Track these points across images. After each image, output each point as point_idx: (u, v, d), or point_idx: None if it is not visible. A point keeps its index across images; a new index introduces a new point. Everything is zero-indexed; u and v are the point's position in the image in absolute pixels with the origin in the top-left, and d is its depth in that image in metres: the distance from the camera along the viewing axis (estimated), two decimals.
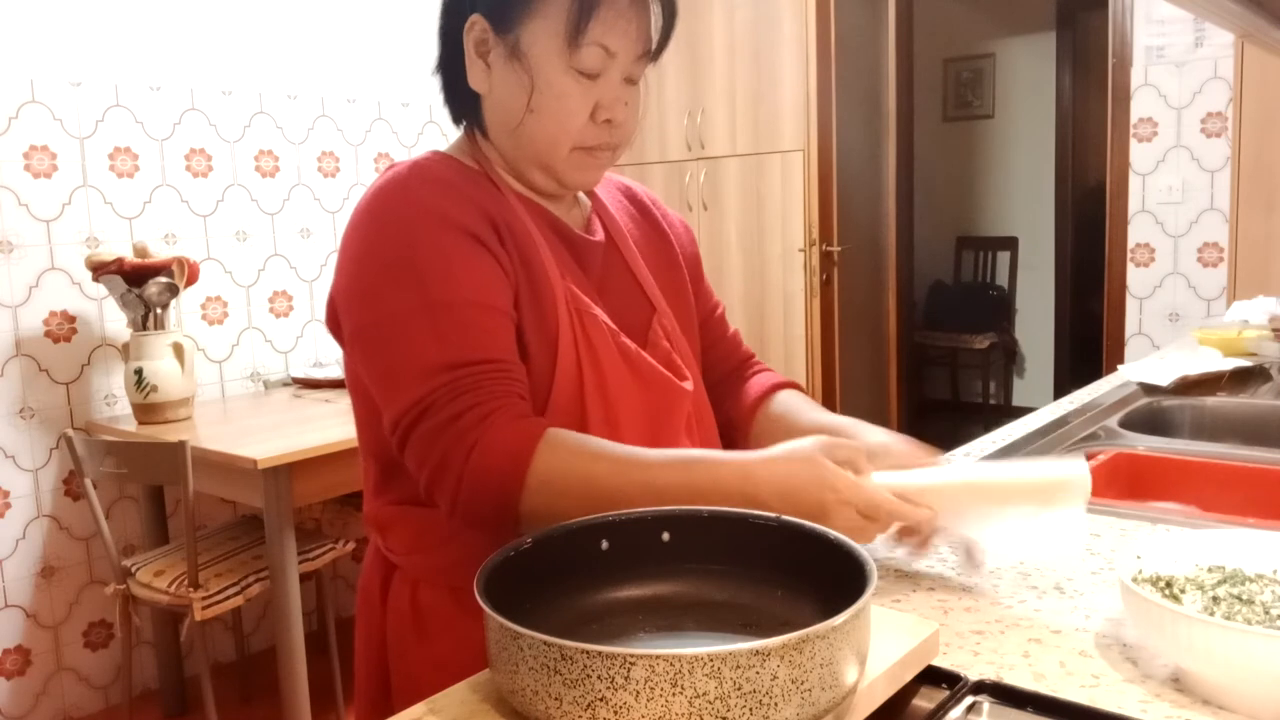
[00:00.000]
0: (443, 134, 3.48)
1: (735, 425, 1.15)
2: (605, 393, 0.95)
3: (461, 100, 1.00)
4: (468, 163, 0.99)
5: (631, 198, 1.15)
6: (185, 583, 2.27)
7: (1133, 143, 3.58)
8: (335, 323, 0.96)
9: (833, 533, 0.74)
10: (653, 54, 0.96)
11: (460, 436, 0.84)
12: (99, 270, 2.50)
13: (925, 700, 0.72)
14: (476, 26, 0.94)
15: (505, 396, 0.86)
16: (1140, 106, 3.55)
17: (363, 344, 0.91)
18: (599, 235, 1.05)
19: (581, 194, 1.08)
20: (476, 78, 0.96)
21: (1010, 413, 4.74)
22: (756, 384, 1.16)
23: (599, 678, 0.57)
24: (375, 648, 1.02)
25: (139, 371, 2.51)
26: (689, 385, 1.03)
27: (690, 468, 0.85)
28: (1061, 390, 5.18)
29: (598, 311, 0.97)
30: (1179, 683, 0.73)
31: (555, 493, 0.83)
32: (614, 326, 0.98)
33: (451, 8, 0.97)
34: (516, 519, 0.84)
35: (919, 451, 0.96)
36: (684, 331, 1.08)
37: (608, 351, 0.96)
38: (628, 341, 0.99)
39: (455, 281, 0.88)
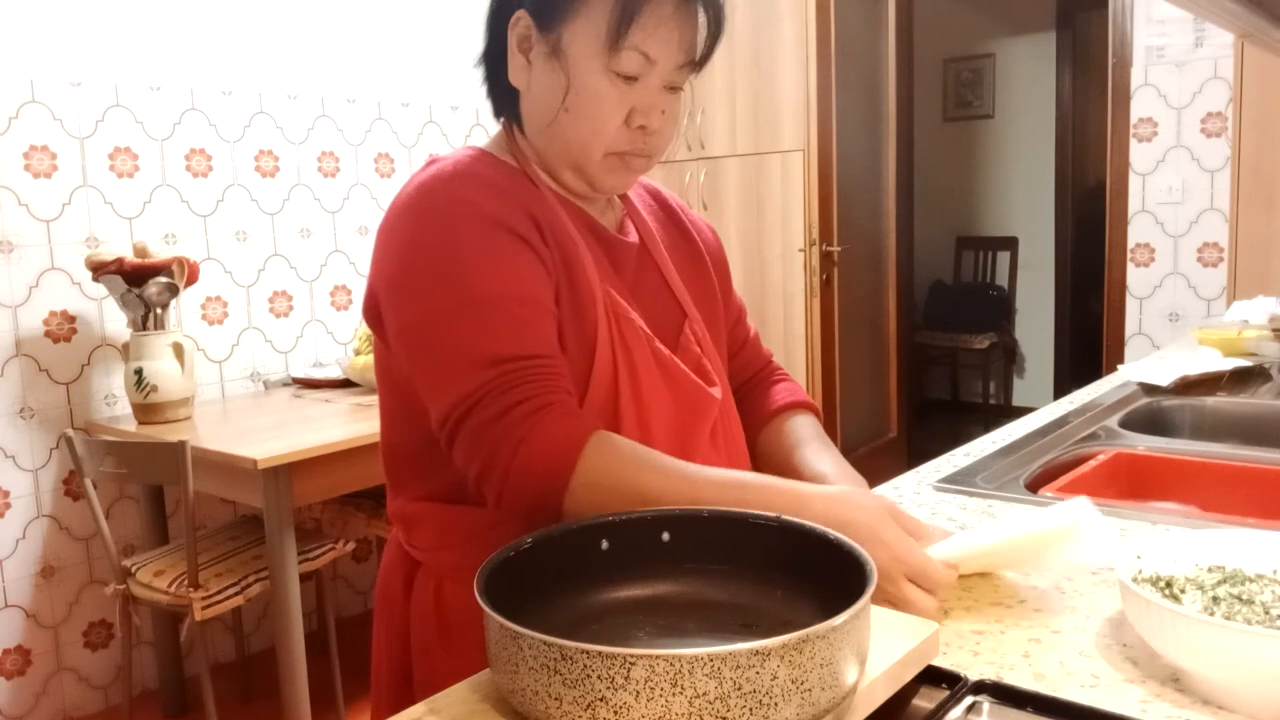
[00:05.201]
0: (443, 134, 3.48)
1: (749, 431, 1.15)
2: (639, 397, 0.95)
3: (502, 95, 1.01)
4: (508, 160, 0.99)
5: (660, 201, 1.15)
6: (185, 583, 2.27)
7: (1133, 143, 3.58)
8: (376, 316, 0.96)
9: (833, 533, 0.74)
10: (697, 64, 0.95)
11: (509, 431, 0.84)
12: (99, 270, 2.50)
13: (925, 700, 0.72)
14: (521, 23, 0.94)
15: (555, 392, 0.86)
16: (1140, 106, 3.55)
17: (408, 339, 0.91)
18: (633, 237, 1.05)
19: (615, 196, 1.08)
20: (516, 73, 0.96)
21: (1010, 413, 4.74)
22: (775, 396, 1.17)
23: (599, 678, 0.57)
24: (397, 645, 1.02)
25: (139, 371, 2.51)
26: (717, 393, 1.03)
27: (742, 490, 0.84)
28: (1061, 390, 5.18)
29: (634, 316, 0.97)
30: (1179, 683, 0.73)
31: (599, 495, 0.83)
32: (649, 331, 0.98)
33: (500, 2, 0.97)
34: (559, 516, 0.85)
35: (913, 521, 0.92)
36: (713, 338, 1.08)
37: (643, 356, 0.96)
38: (662, 347, 0.99)
39: (500, 277, 0.88)
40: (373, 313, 0.96)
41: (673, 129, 0.98)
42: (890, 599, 0.79)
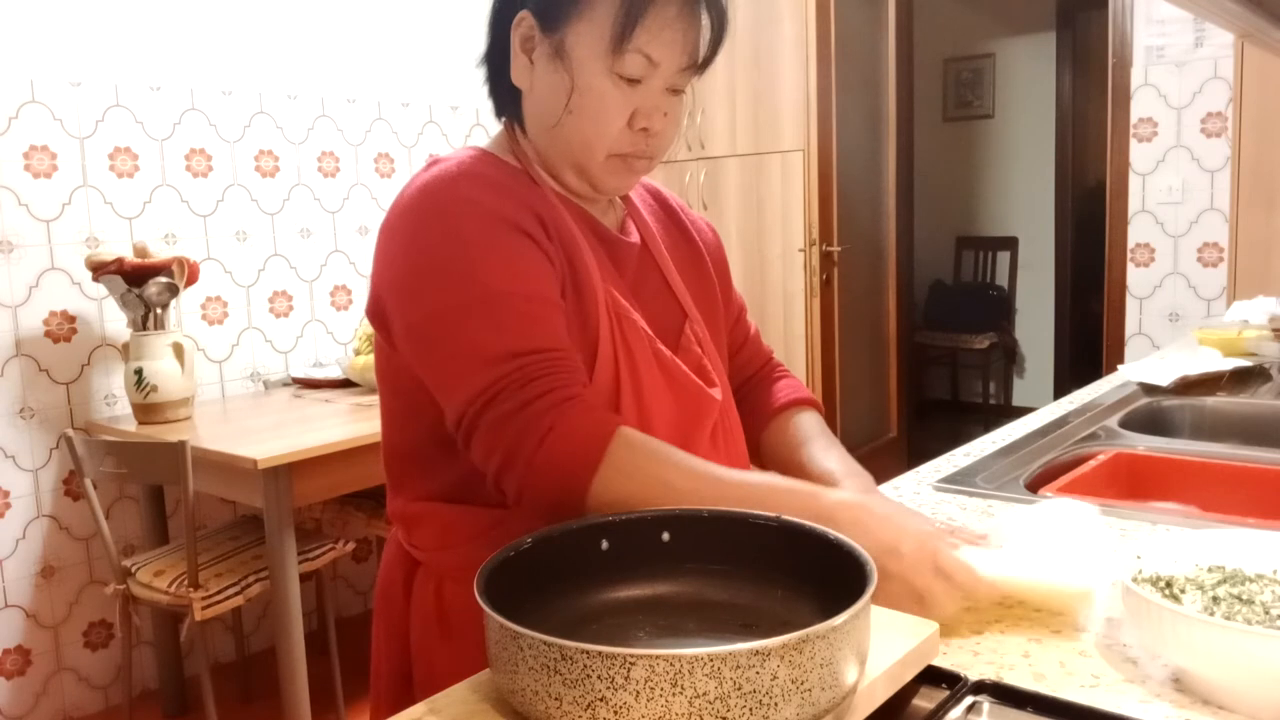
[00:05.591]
0: (443, 134, 3.48)
1: (752, 428, 1.16)
2: (641, 398, 0.95)
3: (504, 95, 1.00)
4: (509, 161, 0.99)
5: (660, 201, 1.15)
6: (185, 583, 2.27)
7: (1133, 143, 3.58)
8: (381, 317, 0.96)
9: (832, 533, 0.74)
10: (699, 66, 0.95)
11: (534, 421, 0.83)
12: (99, 270, 2.50)
13: (925, 700, 0.72)
14: (524, 23, 0.94)
15: (576, 385, 0.87)
16: (1140, 106, 3.55)
17: (418, 339, 0.90)
18: (634, 238, 1.05)
19: (615, 196, 1.08)
20: (519, 73, 0.96)
21: (1010, 413, 4.74)
22: (778, 393, 1.17)
23: (599, 678, 0.57)
24: (397, 645, 1.02)
25: (139, 371, 2.51)
26: (718, 394, 1.03)
27: (770, 494, 0.84)
28: (1061, 390, 5.18)
29: (636, 317, 0.97)
30: (1179, 683, 0.73)
31: (625, 490, 0.83)
32: (650, 332, 0.98)
33: (503, 2, 0.97)
34: (582, 509, 0.84)
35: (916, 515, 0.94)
36: (713, 338, 1.08)
37: (644, 357, 0.96)
38: (663, 348, 0.99)
39: (508, 273, 0.88)
40: (378, 314, 0.96)
41: (674, 131, 0.98)
42: (914, 590, 0.79)
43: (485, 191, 0.91)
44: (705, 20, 0.93)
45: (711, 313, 1.10)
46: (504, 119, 1.02)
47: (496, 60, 0.99)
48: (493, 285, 0.87)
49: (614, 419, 0.86)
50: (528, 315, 0.88)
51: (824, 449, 1.08)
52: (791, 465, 1.09)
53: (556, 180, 0.99)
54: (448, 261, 0.88)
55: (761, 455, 1.16)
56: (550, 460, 0.83)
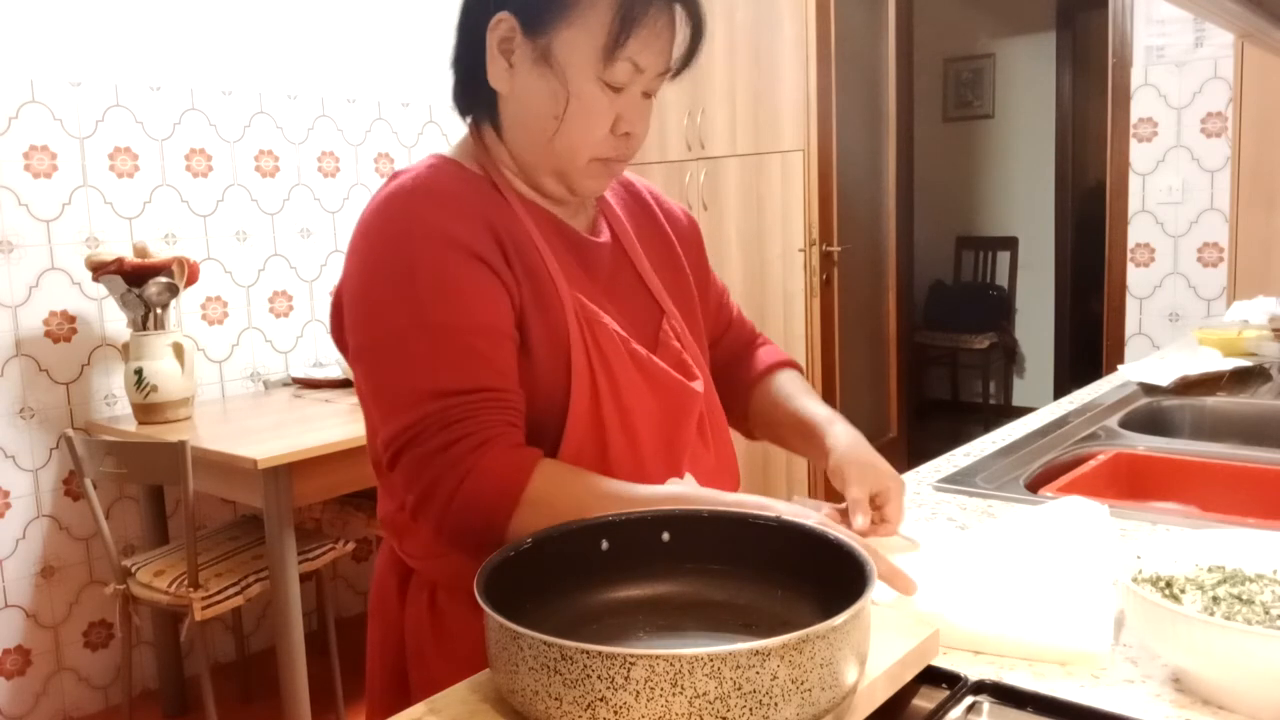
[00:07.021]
0: (443, 134, 3.47)
1: (740, 396, 1.18)
2: (620, 400, 0.95)
3: (476, 96, 0.98)
4: (472, 168, 0.97)
5: (632, 193, 1.13)
6: (185, 583, 2.27)
7: (1133, 143, 3.58)
8: (340, 332, 0.97)
9: (833, 533, 0.74)
10: (674, 73, 0.96)
11: (453, 464, 0.85)
12: (99, 270, 2.50)
13: (925, 700, 0.72)
14: (503, 24, 0.92)
15: (499, 426, 0.87)
16: (1140, 106, 3.55)
17: (363, 362, 0.92)
18: (605, 237, 1.04)
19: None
20: (497, 76, 0.94)
21: (1010, 413, 4.74)
22: (760, 359, 1.19)
23: (599, 678, 0.57)
24: (392, 649, 1.02)
25: (139, 371, 2.51)
26: (699, 386, 1.03)
27: (676, 504, 0.85)
28: (1061, 390, 5.18)
29: (607, 320, 0.97)
30: (1179, 683, 0.73)
31: (542, 519, 0.83)
32: (624, 334, 0.98)
33: (475, 2, 0.96)
34: (502, 544, 0.85)
35: (879, 467, 0.97)
36: (691, 331, 1.08)
37: (619, 358, 0.96)
38: (638, 348, 0.98)
39: (455, 304, 0.88)
40: (338, 329, 0.97)
41: (646, 133, 0.98)
42: None
43: (441, 212, 0.90)
44: (685, 28, 0.94)
45: (688, 305, 1.10)
46: (469, 121, 1.01)
47: (468, 62, 0.97)
48: (437, 317, 0.87)
49: (531, 456, 0.87)
50: (468, 351, 0.88)
51: (814, 401, 1.11)
52: (784, 417, 1.12)
53: (532, 184, 0.98)
54: (393, 290, 0.89)
55: (751, 419, 1.18)
56: (469, 502, 0.85)
